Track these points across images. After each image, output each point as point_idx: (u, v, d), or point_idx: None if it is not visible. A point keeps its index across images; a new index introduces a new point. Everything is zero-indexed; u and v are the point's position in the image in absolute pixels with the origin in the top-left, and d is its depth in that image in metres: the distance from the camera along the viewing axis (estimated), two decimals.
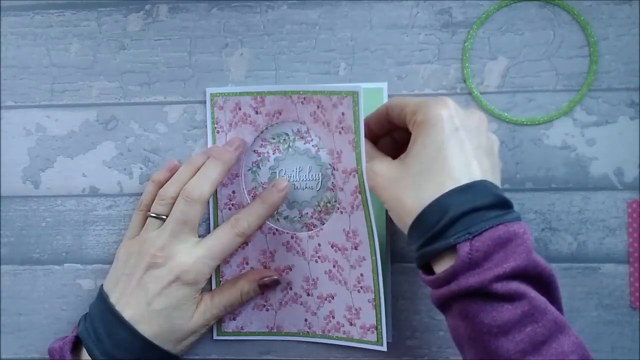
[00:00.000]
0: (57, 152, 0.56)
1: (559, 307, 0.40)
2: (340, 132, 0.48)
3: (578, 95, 0.51)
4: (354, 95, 0.46)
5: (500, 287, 0.38)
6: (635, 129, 0.51)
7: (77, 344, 0.50)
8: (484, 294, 0.39)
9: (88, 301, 0.52)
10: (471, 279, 0.39)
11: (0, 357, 0.57)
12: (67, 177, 0.56)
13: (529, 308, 0.38)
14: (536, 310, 0.38)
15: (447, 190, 0.40)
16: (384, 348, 0.51)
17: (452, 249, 0.40)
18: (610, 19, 0.51)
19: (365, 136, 0.47)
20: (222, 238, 0.50)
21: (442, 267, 0.40)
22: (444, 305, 0.41)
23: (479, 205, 0.40)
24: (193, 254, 0.49)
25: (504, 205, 0.41)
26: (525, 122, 0.52)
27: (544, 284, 0.40)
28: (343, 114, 0.47)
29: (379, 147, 0.49)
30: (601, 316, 0.51)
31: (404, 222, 0.42)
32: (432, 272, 0.42)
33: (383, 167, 0.45)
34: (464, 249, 0.39)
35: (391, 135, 0.50)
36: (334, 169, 0.50)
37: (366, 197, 0.48)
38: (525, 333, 0.38)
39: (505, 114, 0.52)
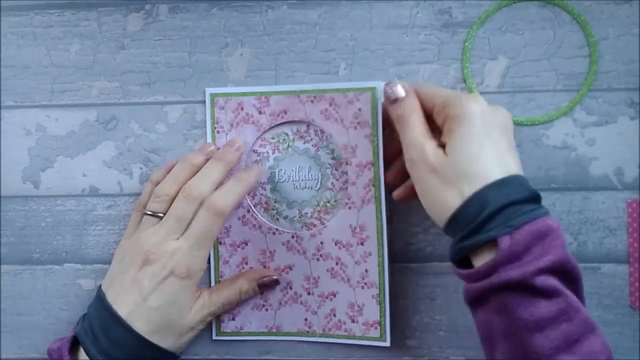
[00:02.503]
0: (57, 152, 0.56)
1: (584, 305, 0.41)
2: (355, 127, 0.50)
3: (578, 95, 0.51)
4: (373, 91, 0.48)
5: (540, 281, 0.39)
6: (635, 129, 0.51)
7: (75, 344, 0.50)
8: (524, 288, 0.39)
9: (88, 301, 0.52)
10: (512, 272, 0.39)
11: (0, 357, 0.57)
12: (67, 177, 0.56)
13: (565, 305, 0.39)
14: (571, 308, 0.39)
15: (485, 184, 0.41)
16: (387, 344, 0.51)
17: (490, 243, 0.40)
18: (610, 19, 0.51)
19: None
20: (200, 226, 0.49)
21: (480, 260, 0.41)
22: (479, 299, 0.42)
23: (516, 199, 0.41)
24: (181, 249, 0.49)
25: (537, 199, 0.42)
26: (525, 122, 0.52)
27: (574, 281, 0.41)
28: (360, 109, 0.49)
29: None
30: (601, 316, 0.51)
31: (442, 215, 0.43)
32: (466, 267, 0.42)
33: (432, 155, 0.44)
34: (505, 242, 0.40)
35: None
36: (348, 163, 0.51)
37: (380, 190, 0.49)
38: (560, 330, 0.39)
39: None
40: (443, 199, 0.43)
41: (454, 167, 0.42)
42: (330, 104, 0.50)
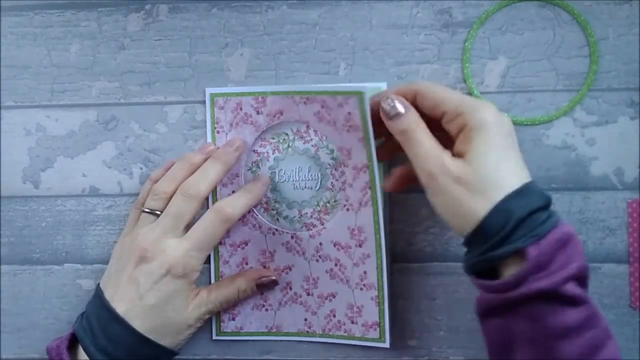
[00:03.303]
0: (57, 152, 0.56)
1: None
2: (348, 130, 0.49)
3: (578, 95, 0.51)
4: (360, 95, 0.46)
5: (568, 289, 0.39)
6: (635, 129, 0.51)
7: (74, 342, 0.50)
8: (553, 296, 0.39)
9: (88, 301, 0.52)
10: (542, 282, 0.39)
11: (0, 357, 0.57)
12: (67, 177, 0.56)
13: (590, 313, 0.40)
14: (594, 315, 0.40)
15: (508, 193, 0.41)
16: (387, 345, 0.51)
17: (515, 253, 0.40)
18: (610, 19, 0.51)
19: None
20: (206, 228, 0.50)
21: (508, 271, 0.41)
22: (502, 308, 0.41)
23: (537, 207, 0.41)
24: (180, 248, 0.49)
25: (550, 204, 0.42)
26: (525, 122, 0.52)
27: (587, 285, 0.42)
28: (349, 113, 0.48)
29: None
30: None
31: (466, 225, 0.42)
32: (484, 278, 0.42)
33: (454, 166, 0.43)
34: (533, 252, 0.39)
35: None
36: (344, 165, 0.50)
37: (376, 193, 0.48)
38: (585, 337, 0.39)
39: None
40: (468, 209, 0.42)
41: (478, 176, 0.42)
42: (322, 106, 0.49)
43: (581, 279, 0.41)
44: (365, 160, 0.49)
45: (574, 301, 0.39)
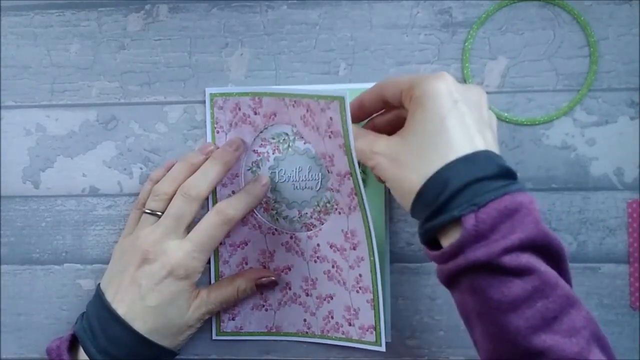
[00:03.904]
0: (57, 152, 0.56)
1: (567, 280, 0.40)
2: (330, 137, 0.47)
3: (578, 95, 0.51)
4: (341, 100, 0.44)
5: (509, 260, 0.37)
6: (635, 129, 0.51)
7: (74, 343, 0.50)
8: (493, 268, 0.38)
9: (88, 301, 0.52)
10: (478, 252, 0.38)
11: (0, 357, 0.57)
12: (67, 177, 0.56)
13: (539, 283, 0.37)
14: (547, 285, 0.37)
15: (449, 161, 0.39)
16: (383, 349, 0.51)
17: (457, 222, 0.39)
18: (610, 19, 0.51)
19: (359, 114, 0.46)
20: (208, 229, 0.50)
21: (448, 240, 0.39)
22: (451, 281, 0.40)
23: (482, 176, 0.39)
24: (182, 249, 0.49)
25: (508, 175, 0.40)
26: (525, 122, 0.52)
27: (553, 256, 0.39)
28: (331, 118, 0.46)
29: (375, 129, 0.48)
30: (601, 316, 0.51)
31: (407, 199, 0.41)
32: (437, 248, 0.41)
33: (382, 146, 0.43)
34: (469, 221, 0.38)
35: (384, 116, 0.49)
36: (329, 172, 0.50)
37: (362, 199, 0.47)
38: (535, 309, 0.37)
39: (505, 114, 0.52)
40: (407, 184, 0.41)
41: (412, 149, 0.41)
42: (307, 110, 0.48)
43: (535, 248, 0.38)
44: (347, 167, 0.47)
45: (518, 272, 0.37)
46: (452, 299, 0.42)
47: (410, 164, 0.41)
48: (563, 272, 0.39)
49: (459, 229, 0.39)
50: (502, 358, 0.38)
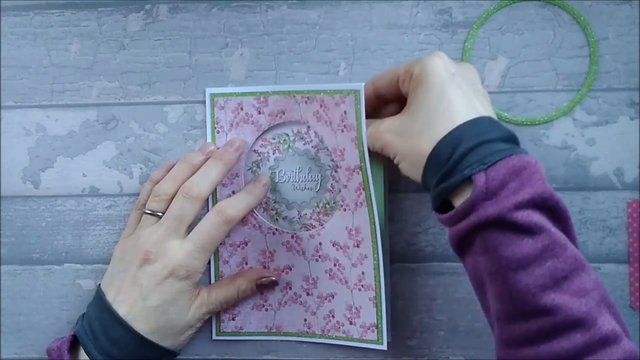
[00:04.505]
0: (57, 152, 0.56)
1: (573, 241, 0.40)
2: (342, 131, 0.48)
3: (578, 95, 0.51)
4: (356, 93, 0.46)
5: (520, 216, 0.38)
6: (635, 129, 0.51)
7: (75, 344, 0.50)
8: (504, 225, 0.38)
9: (88, 301, 0.52)
10: (490, 209, 0.38)
11: (0, 357, 0.57)
12: (67, 177, 0.56)
13: (550, 242, 0.38)
14: (556, 245, 0.38)
15: (456, 125, 0.41)
16: (384, 347, 0.51)
17: (467, 183, 0.40)
18: (610, 19, 0.51)
19: (373, 99, 0.48)
20: (208, 229, 0.50)
21: (460, 201, 0.40)
22: (463, 243, 0.41)
23: (490, 138, 0.40)
24: (183, 249, 0.49)
25: (513, 140, 0.42)
26: (525, 122, 0.52)
27: (561, 218, 0.40)
28: (345, 112, 0.47)
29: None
30: None
31: (418, 166, 0.42)
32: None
33: (388, 124, 0.45)
34: (480, 179, 0.39)
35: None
36: (338, 166, 0.50)
37: (370, 194, 0.48)
38: (545, 267, 0.38)
39: (505, 114, 0.52)
40: (418, 151, 0.42)
41: (418, 120, 0.42)
42: (321, 106, 0.49)
43: (545, 208, 0.39)
44: (358, 161, 0.48)
45: (529, 230, 0.38)
46: (465, 268, 0.42)
47: (418, 133, 0.42)
48: (571, 237, 0.40)
49: (469, 188, 0.40)
50: (512, 317, 0.39)
